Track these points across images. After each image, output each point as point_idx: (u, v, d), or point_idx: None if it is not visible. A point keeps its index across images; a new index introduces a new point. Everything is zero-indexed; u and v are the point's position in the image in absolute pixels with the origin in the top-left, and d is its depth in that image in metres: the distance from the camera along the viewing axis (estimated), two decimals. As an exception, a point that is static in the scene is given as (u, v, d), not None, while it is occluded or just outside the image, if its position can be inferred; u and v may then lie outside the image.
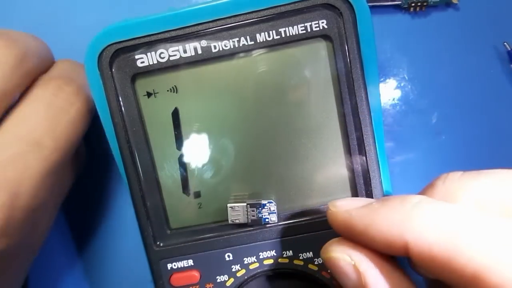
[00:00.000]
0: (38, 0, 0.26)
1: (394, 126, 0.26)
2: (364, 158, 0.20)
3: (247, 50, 0.20)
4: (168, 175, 0.21)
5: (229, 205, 0.20)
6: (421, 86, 0.26)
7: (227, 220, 0.20)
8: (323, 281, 0.21)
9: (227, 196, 0.21)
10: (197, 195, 0.21)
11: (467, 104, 0.26)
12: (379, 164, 0.20)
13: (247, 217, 0.20)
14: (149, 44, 0.20)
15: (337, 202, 0.17)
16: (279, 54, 0.20)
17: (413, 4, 0.25)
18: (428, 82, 0.26)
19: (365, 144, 0.20)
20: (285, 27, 0.19)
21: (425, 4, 0.25)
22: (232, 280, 0.21)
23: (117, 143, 0.20)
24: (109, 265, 0.27)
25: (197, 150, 0.21)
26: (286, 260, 0.21)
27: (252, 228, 0.21)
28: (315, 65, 0.20)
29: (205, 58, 0.20)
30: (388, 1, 0.25)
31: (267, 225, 0.20)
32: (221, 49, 0.20)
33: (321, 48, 0.20)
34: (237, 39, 0.20)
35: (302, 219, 0.21)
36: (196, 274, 0.21)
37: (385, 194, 0.20)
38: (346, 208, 0.16)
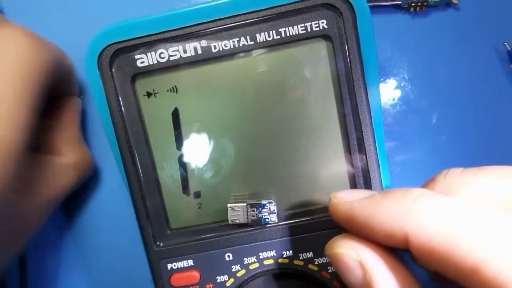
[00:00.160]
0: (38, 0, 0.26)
1: (394, 126, 0.26)
2: (364, 158, 0.20)
3: (247, 50, 0.20)
4: (168, 175, 0.21)
5: (229, 205, 0.20)
6: (421, 86, 0.26)
7: (227, 220, 0.20)
8: (323, 281, 0.21)
9: (227, 196, 0.21)
10: (197, 195, 0.21)
11: (467, 104, 0.26)
12: (379, 164, 0.20)
13: (247, 217, 0.20)
14: (149, 44, 0.20)
15: (339, 193, 0.17)
16: (279, 54, 0.20)
17: (413, 4, 0.25)
18: (428, 82, 0.26)
19: (365, 144, 0.20)
20: (285, 27, 0.19)
21: (425, 4, 0.25)
22: (232, 280, 0.21)
23: (117, 143, 0.20)
24: (109, 265, 0.27)
25: (197, 150, 0.21)
26: (286, 260, 0.21)
27: (252, 228, 0.21)
28: (315, 65, 0.20)
29: (205, 58, 0.20)
30: (388, 1, 0.25)
31: (267, 225, 0.20)
32: (221, 49, 0.20)
33: (321, 48, 0.20)
34: (237, 39, 0.20)
35: (302, 219, 0.21)
36: (196, 274, 0.21)
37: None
38: (348, 199, 0.16)
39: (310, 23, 0.19)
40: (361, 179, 0.20)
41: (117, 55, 0.20)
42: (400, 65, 0.26)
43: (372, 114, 0.20)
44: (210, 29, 0.19)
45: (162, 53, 0.20)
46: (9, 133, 0.17)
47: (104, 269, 0.27)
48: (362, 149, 0.20)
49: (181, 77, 0.20)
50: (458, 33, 0.25)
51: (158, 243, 0.21)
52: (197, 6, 0.19)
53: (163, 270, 0.21)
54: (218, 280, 0.21)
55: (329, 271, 0.20)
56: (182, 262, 0.21)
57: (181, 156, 0.21)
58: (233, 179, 0.21)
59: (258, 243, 0.21)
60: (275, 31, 0.20)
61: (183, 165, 0.21)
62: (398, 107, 0.26)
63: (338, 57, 0.20)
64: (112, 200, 0.26)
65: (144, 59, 0.20)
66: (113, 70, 0.20)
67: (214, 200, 0.21)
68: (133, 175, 0.20)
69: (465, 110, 0.26)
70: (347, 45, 0.19)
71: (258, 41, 0.20)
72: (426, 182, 0.17)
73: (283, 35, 0.20)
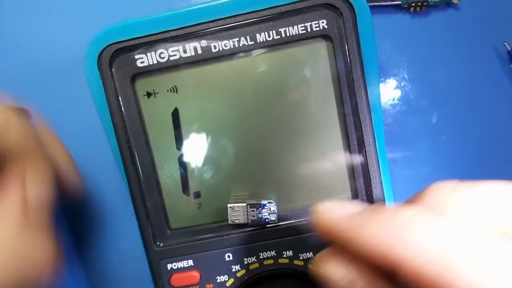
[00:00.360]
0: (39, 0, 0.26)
1: (394, 126, 0.26)
2: (364, 158, 0.20)
3: (247, 50, 0.20)
4: (168, 175, 0.21)
5: (229, 205, 0.20)
6: (421, 86, 0.26)
7: (227, 220, 0.20)
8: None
9: (227, 196, 0.21)
10: (197, 195, 0.21)
11: (467, 104, 0.26)
12: (379, 164, 0.20)
13: (247, 217, 0.20)
14: (149, 44, 0.20)
15: (322, 207, 0.15)
16: (279, 54, 0.20)
17: (413, 4, 0.25)
18: (428, 82, 0.26)
19: (365, 144, 0.20)
20: (285, 27, 0.19)
21: (425, 4, 0.25)
22: (232, 280, 0.21)
23: (117, 143, 0.20)
24: (109, 265, 0.26)
25: (197, 150, 0.21)
26: (286, 260, 0.21)
27: (252, 228, 0.21)
28: (315, 65, 0.20)
29: (205, 58, 0.20)
30: (388, 1, 0.25)
31: (267, 225, 0.20)
32: (221, 49, 0.20)
33: (321, 48, 0.20)
34: (237, 39, 0.20)
35: (302, 219, 0.21)
36: (196, 274, 0.21)
37: (385, 194, 0.20)
38: (333, 215, 0.15)
39: (310, 23, 0.19)
40: (361, 179, 0.20)
41: (117, 55, 0.20)
42: (400, 65, 0.26)
43: (372, 114, 0.20)
44: (210, 29, 0.19)
45: (162, 53, 0.20)
46: None
47: (104, 269, 0.27)
48: (362, 149, 0.20)
49: (181, 77, 0.20)
50: (458, 33, 0.25)
51: (158, 243, 0.21)
52: (197, 6, 0.19)
53: (163, 270, 0.21)
54: (218, 280, 0.21)
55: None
56: (182, 262, 0.21)
57: (181, 156, 0.21)
58: (233, 179, 0.21)
59: (258, 243, 0.21)
60: (275, 31, 0.20)
61: (183, 165, 0.21)
62: (398, 107, 0.26)
63: (338, 57, 0.20)
64: (112, 200, 0.26)
65: (144, 59, 0.20)
66: (113, 70, 0.20)
67: (214, 200, 0.21)
68: (133, 175, 0.20)
69: (465, 110, 0.26)
70: (347, 45, 0.19)
71: (258, 41, 0.20)
72: (415, 195, 0.16)
73: (283, 35, 0.20)
